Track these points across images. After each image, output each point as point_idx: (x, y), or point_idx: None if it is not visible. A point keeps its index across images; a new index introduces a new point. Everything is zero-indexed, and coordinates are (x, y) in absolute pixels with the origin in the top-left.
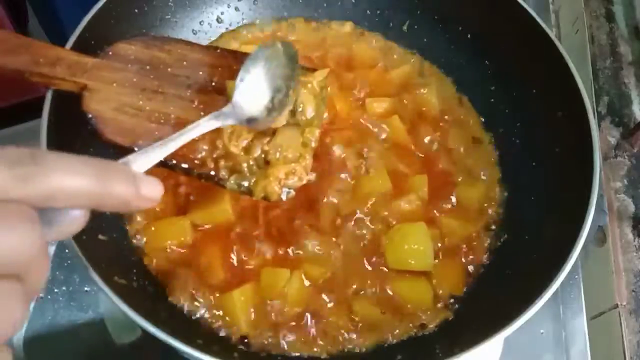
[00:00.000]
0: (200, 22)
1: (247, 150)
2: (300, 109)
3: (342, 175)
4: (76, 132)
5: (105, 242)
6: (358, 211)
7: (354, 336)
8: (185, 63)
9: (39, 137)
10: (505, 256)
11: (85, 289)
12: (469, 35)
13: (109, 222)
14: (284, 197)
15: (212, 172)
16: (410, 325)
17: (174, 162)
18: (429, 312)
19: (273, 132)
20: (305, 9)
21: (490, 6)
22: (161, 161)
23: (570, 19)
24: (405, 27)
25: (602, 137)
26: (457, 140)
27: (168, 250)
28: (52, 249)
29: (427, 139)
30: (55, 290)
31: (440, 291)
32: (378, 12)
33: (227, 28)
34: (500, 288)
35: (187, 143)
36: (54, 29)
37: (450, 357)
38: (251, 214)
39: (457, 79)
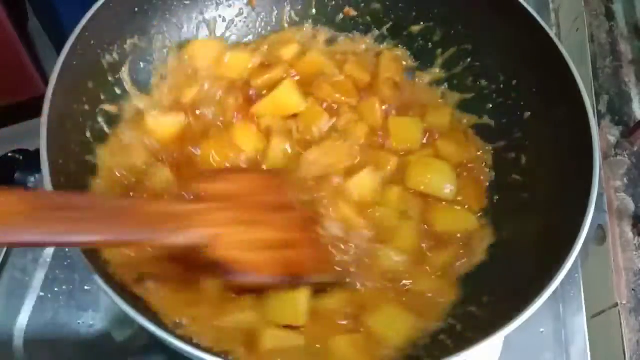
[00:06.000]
0: (200, 22)
1: None
2: None
3: None
4: (75, 130)
5: None
6: None
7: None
8: (252, 190)
9: (39, 137)
10: (504, 254)
11: (86, 288)
12: (468, 33)
13: None
14: None
15: None
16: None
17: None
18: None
19: None
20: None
21: (490, 5)
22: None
23: (570, 17)
24: (405, 21)
25: (602, 135)
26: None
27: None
28: (51, 248)
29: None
30: (56, 289)
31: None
32: (377, 11)
33: (226, 27)
34: (500, 287)
35: None
36: (54, 28)
37: (450, 356)
38: None
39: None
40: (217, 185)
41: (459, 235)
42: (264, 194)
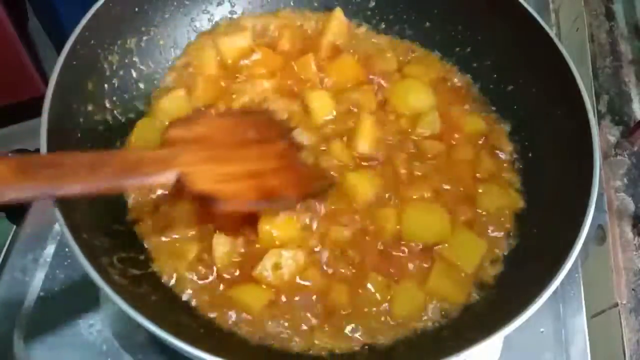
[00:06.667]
0: (199, 22)
1: None
2: None
3: None
4: (75, 131)
5: (106, 242)
6: None
7: (362, 334)
8: (227, 129)
9: (39, 137)
10: (505, 255)
11: (86, 287)
12: (468, 33)
13: (110, 222)
14: None
15: None
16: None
17: None
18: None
19: None
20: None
21: (490, 5)
22: None
23: (570, 17)
24: (405, 23)
25: (602, 135)
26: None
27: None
28: (51, 248)
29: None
30: (56, 289)
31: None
32: (377, 9)
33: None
34: (500, 287)
35: None
36: (54, 28)
37: (450, 356)
38: None
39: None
40: (189, 130)
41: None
42: (236, 132)
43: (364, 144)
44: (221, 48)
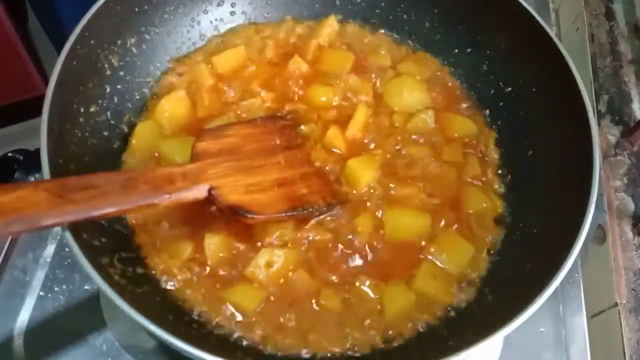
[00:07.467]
0: (198, 22)
1: None
2: None
3: None
4: (75, 131)
5: (106, 242)
6: None
7: (356, 334)
8: (253, 138)
9: (39, 137)
10: (505, 255)
11: (86, 287)
12: (468, 34)
13: (111, 222)
14: None
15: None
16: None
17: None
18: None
19: None
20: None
21: (490, 5)
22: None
23: (570, 17)
24: (405, 24)
25: (601, 135)
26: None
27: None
28: (51, 248)
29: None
30: (56, 289)
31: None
32: (377, 10)
33: (221, 29)
34: (500, 287)
35: None
36: (54, 28)
37: (450, 356)
38: None
39: (456, 77)
40: (215, 142)
41: (466, 140)
42: (263, 140)
43: (356, 132)
44: (215, 65)
